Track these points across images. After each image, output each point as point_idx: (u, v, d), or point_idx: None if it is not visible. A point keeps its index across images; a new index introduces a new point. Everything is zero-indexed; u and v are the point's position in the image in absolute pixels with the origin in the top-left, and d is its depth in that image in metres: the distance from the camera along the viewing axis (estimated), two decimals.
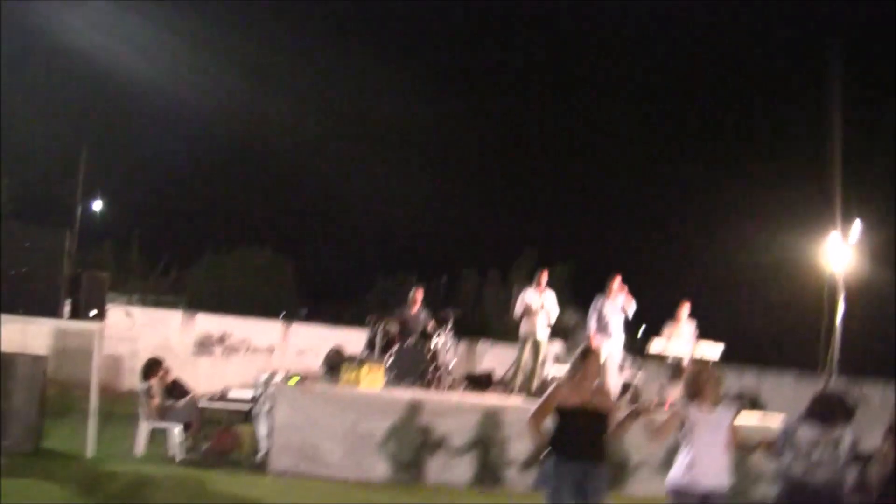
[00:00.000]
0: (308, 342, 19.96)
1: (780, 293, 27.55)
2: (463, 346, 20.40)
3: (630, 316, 14.99)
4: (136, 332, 19.26)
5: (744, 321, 27.78)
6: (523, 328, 15.12)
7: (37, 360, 11.94)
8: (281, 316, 25.78)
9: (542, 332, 15.04)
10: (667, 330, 15.11)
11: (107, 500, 9.65)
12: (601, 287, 15.01)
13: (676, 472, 7.53)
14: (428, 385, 14.50)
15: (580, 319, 18.32)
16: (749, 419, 13.28)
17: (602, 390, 7.82)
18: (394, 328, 15.42)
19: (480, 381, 15.89)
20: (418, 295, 15.91)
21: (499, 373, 16.89)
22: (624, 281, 15.00)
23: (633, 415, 7.63)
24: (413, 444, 12.31)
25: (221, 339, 20.36)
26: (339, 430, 12.09)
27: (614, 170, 40.54)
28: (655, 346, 14.70)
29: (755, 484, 12.51)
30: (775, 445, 8.05)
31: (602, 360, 7.92)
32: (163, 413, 12.32)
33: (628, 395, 15.03)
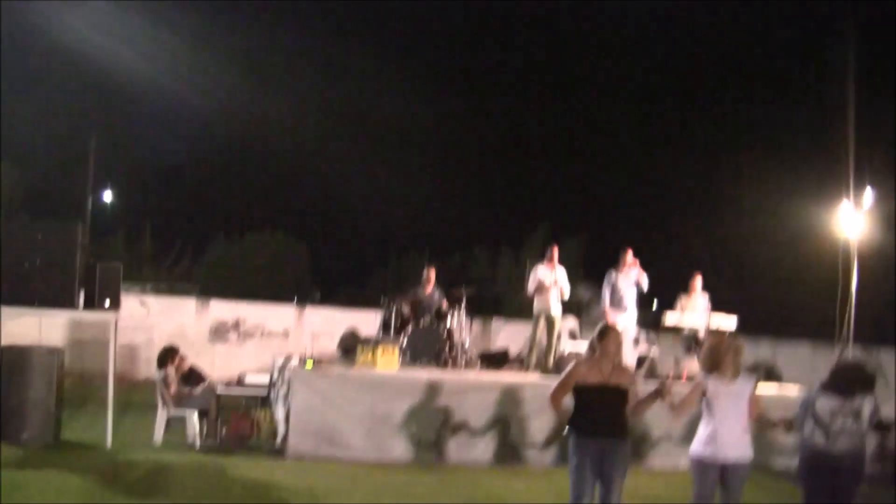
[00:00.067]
0: (322, 325, 19.94)
1: (793, 263, 27.43)
2: (477, 324, 20.41)
3: (645, 289, 15.00)
4: (150, 320, 19.31)
5: (757, 291, 27.68)
6: (536, 305, 15.12)
7: (53, 351, 11.96)
8: (294, 300, 25.78)
9: (556, 308, 15.03)
10: (681, 302, 15.11)
11: (127, 490, 9.66)
12: (614, 261, 15.01)
13: (698, 444, 7.53)
14: (444, 364, 14.50)
15: (594, 294, 18.30)
16: (766, 390, 13.26)
17: (621, 367, 7.82)
18: (408, 308, 15.42)
19: (496, 360, 15.89)
20: (431, 274, 15.90)
21: (513, 350, 16.89)
22: (635, 254, 15.00)
23: (655, 394, 7.62)
24: (432, 424, 12.32)
25: (236, 325, 20.40)
26: (357, 412, 12.11)
27: (624, 142, 40.43)
28: (670, 318, 14.68)
29: (777, 455, 12.50)
30: (795, 420, 8.04)
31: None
32: (180, 401, 12.35)
33: (644, 369, 15.02)
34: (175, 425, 12.42)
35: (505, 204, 41.15)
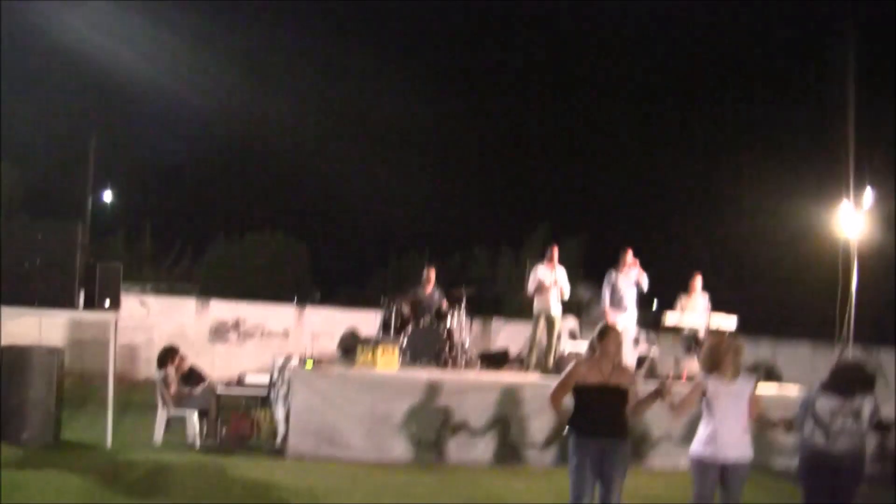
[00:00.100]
0: (322, 325, 19.95)
1: (793, 263, 27.44)
2: (477, 324, 20.41)
3: (645, 289, 15.01)
4: (150, 320, 19.31)
5: (757, 291, 27.70)
6: (536, 305, 15.13)
7: (53, 351, 11.96)
8: (294, 300, 25.79)
9: (556, 308, 15.04)
10: (681, 302, 15.11)
11: (127, 490, 9.67)
12: (614, 261, 15.02)
13: (698, 444, 7.54)
14: (444, 364, 14.51)
15: (594, 294, 18.31)
16: (766, 390, 13.26)
17: (621, 367, 7.82)
18: (408, 308, 15.42)
19: (496, 359, 15.88)
20: (431, 274, 15.90)
21: (513, 350, 16.90)
22: (635, 254, 15.01)
23: (655, 395, 7.63)
24: (432, 424, 12.33)
25: (236, 325, 20.41)
26: (357, 412, 12.11)
27: (624, 142, 40.44)
28: (670, 318, 14.68)
29: (777, 455, 12.51)
30: (795, 420, 8.04)
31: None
32: (180, 401, 12.35)
33: (644, 369, 15.02)
34: (175, 425, 12.43)
35: (505, 204, 41.20)
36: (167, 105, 36.57)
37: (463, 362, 14.85)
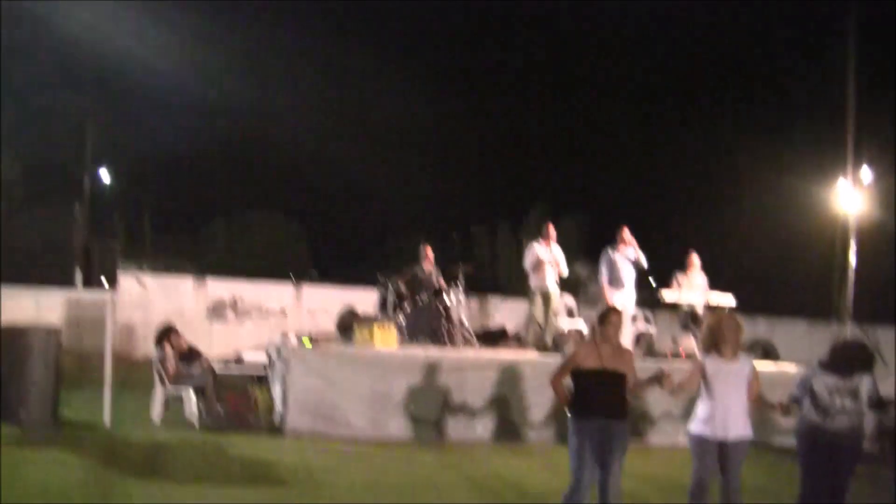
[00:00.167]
0: (320, 303, 19.99)
1: (790, 240, 27.43)
2: (475, 301, 20.41)
3: (645, 266, 14.99)
4: (148, 299, 19.31)
5: (754, 269, 27.68)
6: (534, 282, 15.11)
7: (51, 331, 11.95)
8: (292, 278, 25.78)
9: (553, 286, 15.03)
10: (678, 280, 15.09)
11: (125, 468, 9.66)
12: (611, 239, 15.00)
13: (697, 423, 7.56)
14: (442, 342, 14.50)
15: (592, 272, 18.31)
16: (763, 368, 13.28)
17: (620, 350, 7.81)
18: (405, 286, 15.40)
19: (494, 337, 15.89)
20: (429, 252, 15.87)
21: (511, 328, 16.90)
22: (632, 232, 14.98)
23: (654, 380, 7.65)
24: (431, 402, 12.34)
25: (234, 304, 20.40)
26: (355, 390, 12.12)
27: (620, 118, 40.31)
28: (668, 296, 14.67)
29: (776, 433, 12.52)
30: (791, 398, 8.05)
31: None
32: (178, 379, 12.35)
33: (642, 347, 15.04)
34: (173, 404, 12.43)
35: (503, 182, 41.04)
36: (165, 85, 36.42)
37: (461, 340, 14.84)
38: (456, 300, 15.22)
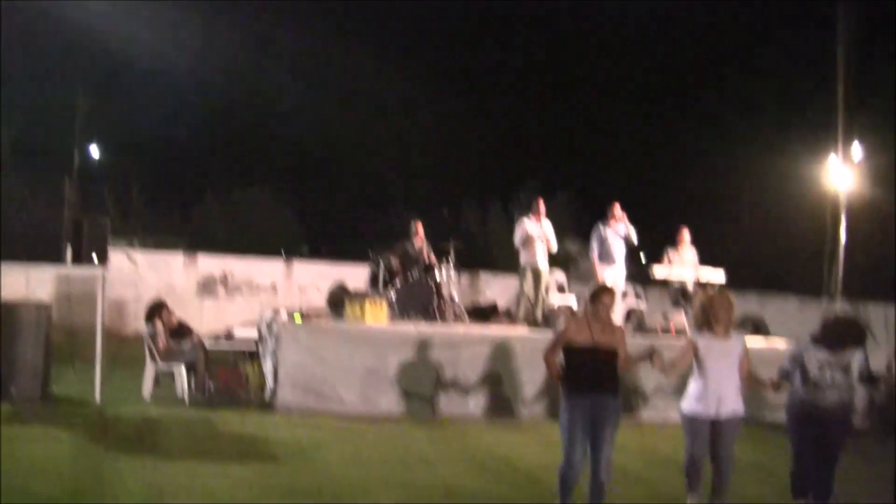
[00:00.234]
0: (310, 279, 19.96)
1: (781, 216, 27.46)
2: (465, 277, 20.41)
3: (635, 242, 14.98)
4: (139, 275, 19.27)
5: (745, 245, 27.70)
6: (523, 258, 15.08)
7: (41, 307, 11.93)
8: (282, 254, 25.76)
9: (543, 261, 15.00)
10: (669, 255, 15.08)
11: (116, 443, 9.66)
12: (601, 214, 14.99)
13: (690, 401, 7.57)
14: (433, 318, 14.49)
15: (582, 247, 18.31)
16: (754, 344, 13.30)
17: (611, 326, 7.78)
18: (396, 262, 15.37)
19: (485, 313, 15.89)
20: (419, 228, 15.84)
21: (501, 304, 16.90)
22: (623, 208, 14.97)
23: (645, 356, 7.65)
24: (423, 378, 12.34)
25: (224, 280, 20.38)
26: (346, 365, 12.12)
27: (611, 95, 40.27)
28: (659, 271, 14.66)
29: (768, 409, 12.53)
30: (781, 372, 8.07)
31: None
32: (169, 355, 12.34)
33: (632, 323, 15.05)
34: (164, 380, 12.43)
35: (494, 158, 40.98)
36: (155, 60, 36.30)
37: (452, 316, 14.83)
38: (447, 276, 15.20)
